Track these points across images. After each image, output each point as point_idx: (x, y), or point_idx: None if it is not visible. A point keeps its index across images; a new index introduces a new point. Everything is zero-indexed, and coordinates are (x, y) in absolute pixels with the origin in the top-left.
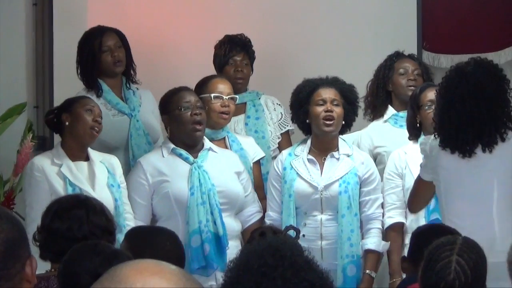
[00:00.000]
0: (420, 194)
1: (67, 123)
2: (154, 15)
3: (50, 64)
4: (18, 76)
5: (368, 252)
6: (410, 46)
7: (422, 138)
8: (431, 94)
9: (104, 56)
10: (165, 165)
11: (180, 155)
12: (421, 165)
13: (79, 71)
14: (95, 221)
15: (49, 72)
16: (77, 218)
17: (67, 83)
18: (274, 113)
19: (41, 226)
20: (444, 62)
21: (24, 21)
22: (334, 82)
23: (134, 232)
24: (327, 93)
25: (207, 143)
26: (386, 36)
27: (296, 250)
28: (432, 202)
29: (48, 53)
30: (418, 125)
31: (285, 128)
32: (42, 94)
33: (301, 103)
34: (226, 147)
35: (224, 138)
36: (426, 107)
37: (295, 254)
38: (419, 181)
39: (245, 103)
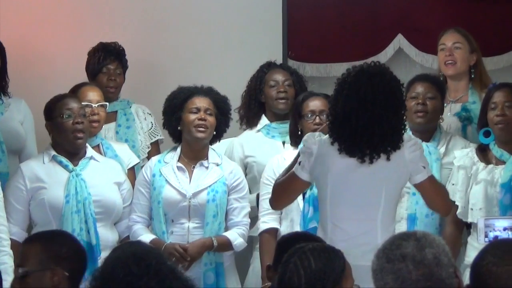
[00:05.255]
0: (291, 193)
1: None
2: (27, 23)
3: None
4: None
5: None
6: (275, 55)
7: (309, 133)
8: (312, 104)
9: None
10: (44, 171)
11: (60, 163)
12: (299, 163)
13: None
14: None
15: None
16: None
17: None
18: (145, 123)
19: None
20: (309, 71)
21: None
22: (208, 92)
23: None
24: (202, 102)
25: (89, 151)
26: (251, 45)
27: (161, 259)
28: (310, 211)
29: None
30: (299, 133)
31: (155, 137)
32: None
33: (174, 109)
34: (101, 154)
35: (98, 145)
36: (306, 117)
37: (160, 263)
38: (293, 179)
39: (116, 111)
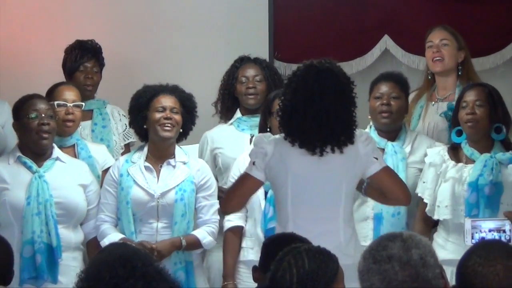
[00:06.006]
0: (244, 193)
1: None
2: (4, 23)
3: None
4: None
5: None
6: (262, 55)
7: (259, 134)
8: None
9: None
10: (8, 172)
11: (24, 163)
12: (253, 163)
13: None
14: None
15: None
16: None
17: None
18: (120, 124)
19: None
20: None
21: None
22: (174, 90)
23: None
24: (167, 100)
25: (55, 152)
26: (238, 45)
27: (147, 261)
28: (271, 211)
29: None
30: (268, 129)
31: (128, 139)
32: None
33: (140, 108)
34: (75, 155)
35: (73, 146)
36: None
37: (146, 265)
38: (247, 178)
39: (92, 110)
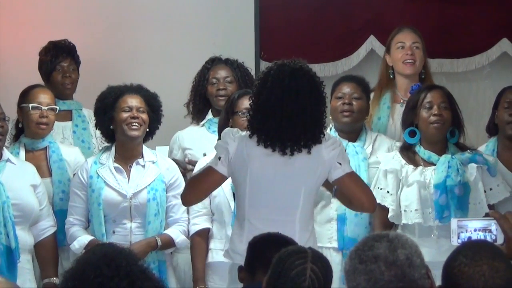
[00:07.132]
0: (207, 187)
1: None
2: None
3: None
4: None
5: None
6: (248, 55)
7: (227, 129)
8: (247, 102)
9: None
10: None
11: None
12: (219, 158)
13: None
14: None
15: None
16: None
17: None
18: None
19: None
20: None
21: None
22: (139, 90)
23: None
24: (133, 100)
25: (5, 154)
26: (224, 45)
27: (132, 260)
28: None
29: None
30: None
31: (104, 144)
32: None
33: (106, 109)
34: (46, 157)
35: (45, 148)
36: (241, 114)
37: (131, 264)
38: (211, 172)
39: (71, 111)
